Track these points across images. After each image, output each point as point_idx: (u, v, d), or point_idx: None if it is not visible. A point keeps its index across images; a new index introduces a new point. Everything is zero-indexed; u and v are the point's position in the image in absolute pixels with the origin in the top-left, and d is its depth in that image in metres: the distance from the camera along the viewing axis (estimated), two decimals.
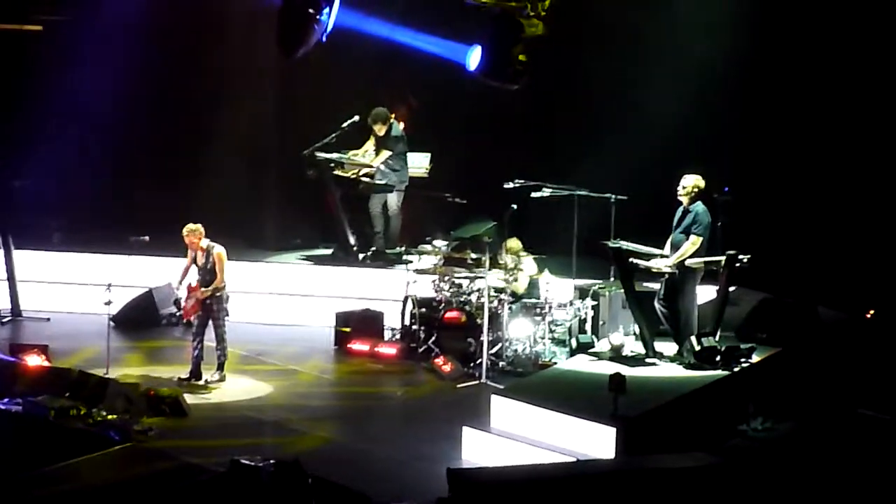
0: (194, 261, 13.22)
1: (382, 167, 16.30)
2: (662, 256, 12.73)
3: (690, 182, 12.64)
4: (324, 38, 12.84)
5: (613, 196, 14.02)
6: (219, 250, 13.14)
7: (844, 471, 10.98)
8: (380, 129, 16.26)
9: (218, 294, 13.07)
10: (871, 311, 14.29)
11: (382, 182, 16.35)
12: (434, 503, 9.54)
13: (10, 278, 15.72)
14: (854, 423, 12.14)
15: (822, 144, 15.63)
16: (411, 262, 15.13)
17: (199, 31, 17.23)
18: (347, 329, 14.73)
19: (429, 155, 17.10)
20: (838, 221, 15.45)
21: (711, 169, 13.20)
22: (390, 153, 16.26)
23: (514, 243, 14.45)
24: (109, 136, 17.09)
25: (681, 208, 12.72)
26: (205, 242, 13.19)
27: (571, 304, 14.07)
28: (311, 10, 12.68)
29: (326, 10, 12.63)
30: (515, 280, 14.27)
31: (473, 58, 14.55)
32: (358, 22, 15.81)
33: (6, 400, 11.69)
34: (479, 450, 11.21)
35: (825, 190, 15.59)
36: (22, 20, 17.14)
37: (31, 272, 16.01)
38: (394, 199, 16.43)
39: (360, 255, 16.40)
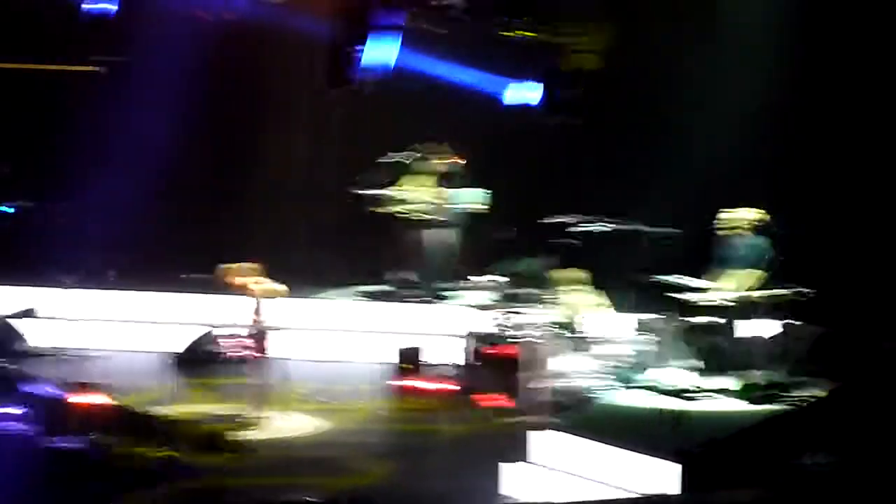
0: (243, 297, 13.24)
1: (436, 202, 16.28)
2: (719, 290, 12.60)
3: (750, 215, 12.59)
4: (368, 75, 12.98)
5: (669, 230, 13.91)
6: (265, 287, 13.16)
7: None
8: (434, 165, 16.26)
9: (265, 331, 13.06)
10: None
11: (436, 217, 16.32)
12: None
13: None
14: None
15: (875, 179, 15.39)
16: (464, 297, 15.06)
17: (255, 68, 17.36)
18: (400, 365, 14.68)
19: (482, 190, 17.05)
20: None
21: (768, 201, 13.07)
22: (444, 188, 16.25)
23: (568, 275, 14.37)
24: (163, 172, 17.14)
25: (740, 241, 12.63)
26: (251, 279, 13.22)
27: (626, 338, 13.93)
28: (348, 49, 12.87)
29: (364, 48, 12.80)
30: (569, 313, 14.18)
31: (524, 92, 14.59)
32: (410, 58, 15.90)
33: (63, 438, 11.74)
34: (529, 485, 11.07)
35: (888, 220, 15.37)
36: (79, 62, 17.34)
37: (86, 310, 16.07)
38: (448, 234, 16.40)
39: (414, 291, 16.36)
